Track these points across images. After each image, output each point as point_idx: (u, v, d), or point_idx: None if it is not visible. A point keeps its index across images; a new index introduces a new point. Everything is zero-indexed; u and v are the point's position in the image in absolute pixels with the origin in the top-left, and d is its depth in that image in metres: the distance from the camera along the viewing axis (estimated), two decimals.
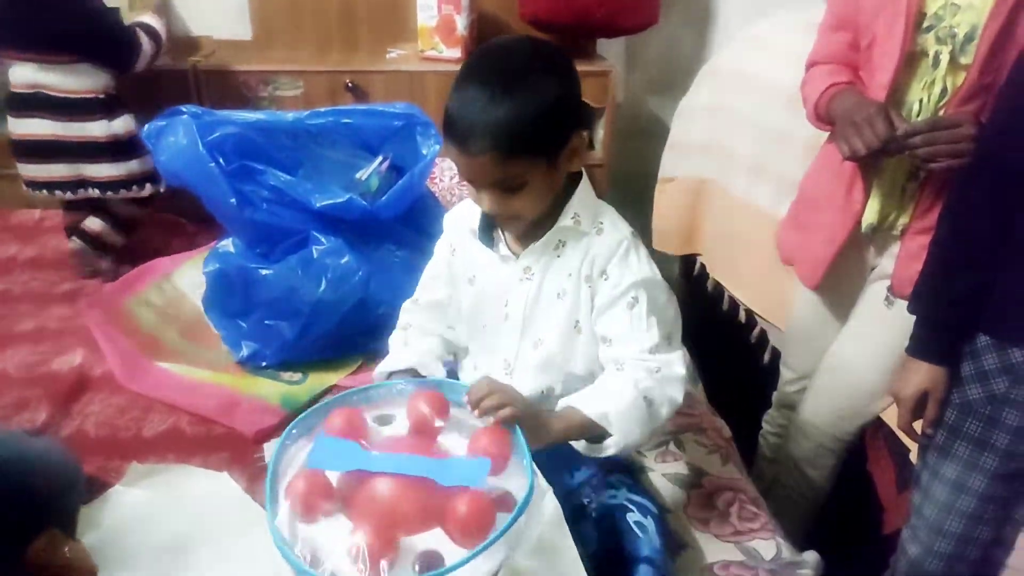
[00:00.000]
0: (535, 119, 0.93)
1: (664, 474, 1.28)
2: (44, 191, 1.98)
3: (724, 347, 2.04)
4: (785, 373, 1.62)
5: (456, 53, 2.37)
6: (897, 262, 1.28)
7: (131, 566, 1.08)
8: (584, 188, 1.07)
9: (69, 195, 1.98)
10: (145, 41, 2.00)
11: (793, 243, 1.47)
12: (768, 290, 1.87)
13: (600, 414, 0.97)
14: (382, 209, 1.61)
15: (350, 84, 2.32)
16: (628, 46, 2.72)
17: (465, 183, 1.04)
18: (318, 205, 1.57)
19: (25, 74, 1.89)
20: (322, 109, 1.80)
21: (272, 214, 1.59)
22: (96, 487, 1.26)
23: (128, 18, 2.07)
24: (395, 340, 1.24)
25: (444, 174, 2.22)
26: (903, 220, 1.27)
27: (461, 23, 2.34)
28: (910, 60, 1.18)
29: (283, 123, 1.75)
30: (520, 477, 0.86)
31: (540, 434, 0.94)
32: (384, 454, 0.87)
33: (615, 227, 1.07)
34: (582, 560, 0.86)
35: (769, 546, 1.16)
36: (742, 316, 2.01)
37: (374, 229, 1.63)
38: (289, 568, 0.80)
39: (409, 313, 1.25)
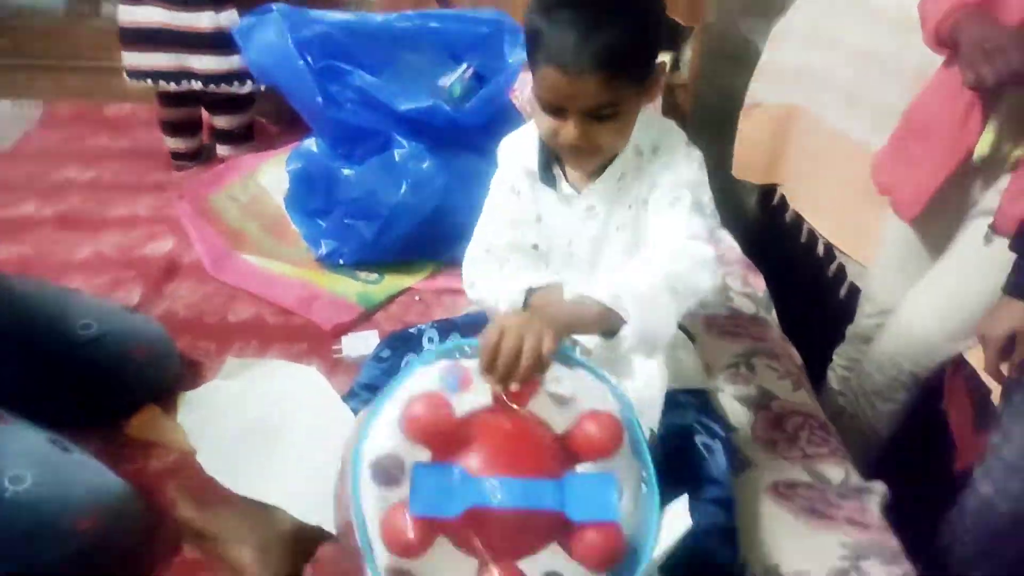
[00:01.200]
0: (640, 38, 0.90)
1: (734, 395, 1.28)
2: (147, 80, 2.00)
3: (799, 280, 2.00)
4: (866, 306, 1.58)
5: None
6: (1003, 198, 1.22)
7: (222, 446, 1.12)
8: (644, 115, 1.00)
9: (173, 85, 2.01)
10: None
11: (894, 172, 1.41)
12: (853, 224, 1.80)
13: (612, 296, 0.87)
14: (465, 116, 1.61)
15: None
16: None
17: (544, 112, 0.94)
18: (402, 109, 1.57)
19: None
20: (410, 12, 1.78)
21: (356, 115, 1.61)
22: (185, 364, 1.34)
23: None
24: (497, 281, 1.07)
25: (525, 87, 2.18)
26: (1017, 152, 1.20)
27: None
28: None
29: (371, 25, 1.75)
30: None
31: (556, 329, 0.81)
32: (497, 481, 0.73)
33: (669, 141, 1.02)
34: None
35: (838, 471, 1.15)
36: (820, 249, 1.96)
37: (455, 137, 1.63)
38: None
39: (483, 263, 1.11)
